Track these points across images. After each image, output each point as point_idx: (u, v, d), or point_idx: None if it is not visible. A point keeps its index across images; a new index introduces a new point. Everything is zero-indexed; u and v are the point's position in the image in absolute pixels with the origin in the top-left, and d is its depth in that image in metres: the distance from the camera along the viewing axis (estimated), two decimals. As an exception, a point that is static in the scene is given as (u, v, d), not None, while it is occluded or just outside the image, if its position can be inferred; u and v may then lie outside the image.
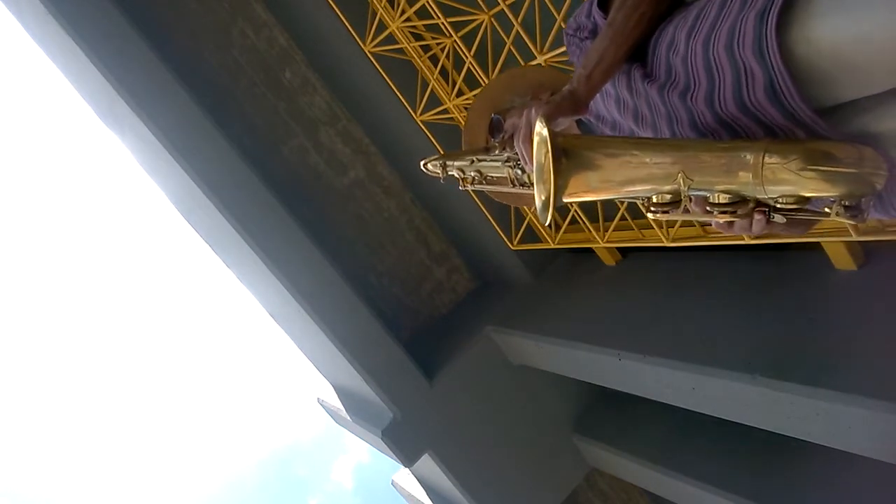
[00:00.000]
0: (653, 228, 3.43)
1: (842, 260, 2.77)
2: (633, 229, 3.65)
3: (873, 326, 2.42)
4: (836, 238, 2.60)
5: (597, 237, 3.82)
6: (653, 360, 3.16)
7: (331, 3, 4.04)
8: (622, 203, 3.59)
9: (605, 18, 1.10)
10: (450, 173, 1.40)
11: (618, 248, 4.17)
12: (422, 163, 1.46)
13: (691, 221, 3.18)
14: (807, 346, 2.58)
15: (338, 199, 5.07)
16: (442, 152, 1.53)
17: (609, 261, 4.22)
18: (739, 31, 0.86)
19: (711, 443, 3.92)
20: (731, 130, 0.92)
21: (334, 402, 5.40)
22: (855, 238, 2.51)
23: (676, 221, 3.32)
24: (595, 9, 1.17)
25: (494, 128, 1.44)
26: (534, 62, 3.26)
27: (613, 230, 3.73)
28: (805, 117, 0.83)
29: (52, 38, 4.14)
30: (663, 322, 3.34)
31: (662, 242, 3.36)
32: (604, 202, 3.81)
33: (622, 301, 3.89)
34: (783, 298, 2.93)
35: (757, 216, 0.83)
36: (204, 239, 5.01)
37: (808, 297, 2.83)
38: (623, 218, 3.66)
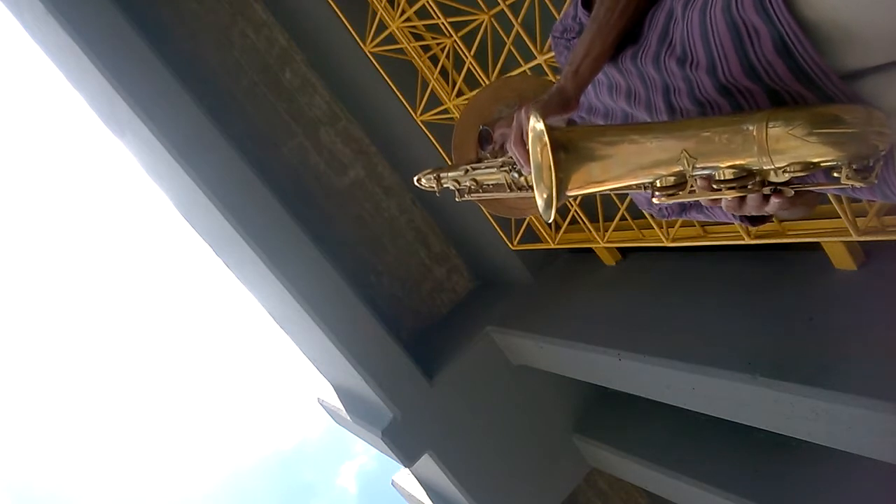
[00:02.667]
0: (653, 228, 3.43)
1: (842, 260, 2.77)
2: (633, 229, 3.65)
3: (873, 326, 2.42)
4: (836, 238, 2.60)
5: (597, 237, 3.82)
6: (653, 360, 3.16)
7: (331, 3, 4.04)
8: (622, 202, 3.59)
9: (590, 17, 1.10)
10: (445, 185, 1.39)
11: (618, 248, 4.17)
12: (415, 178, 1.44)
13: (691, 221, 3.18)
14: (807, 346, 2.57)
15: (338, 199, 5.07)
16: (447, 159, 1.52)
17: (609, 261, 4.22)
18: None
19: (711, 443, 3.92)
20: (732, 99, 0.91)
21: (334, 402, 5.40)
22: (855, 238, 2.51)
23: (676, 221, 3.32)
24: (580, 9, 1.17)
25: (483, 140, 1.42)
26: (533, 62, 3.26)
27: (613, 230, 3.73)
28: (817, 70, 0.82)
29: (52, 38, 4.14)
30: (663, 322, 3.34)
31: (662, 242, 3.36)
32: (603, 201, 3.81)
33: (622, 301, 3.89)
34: (783, 298, 2.93)
35: (775, 199, 0.82)
36: (204, 239, 5.01)
37: (808, 297, 2.83)
38: (623, 218, 3.66)
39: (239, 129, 4.65)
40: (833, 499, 3.20)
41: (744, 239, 2.91)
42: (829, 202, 2.47)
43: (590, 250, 4.26)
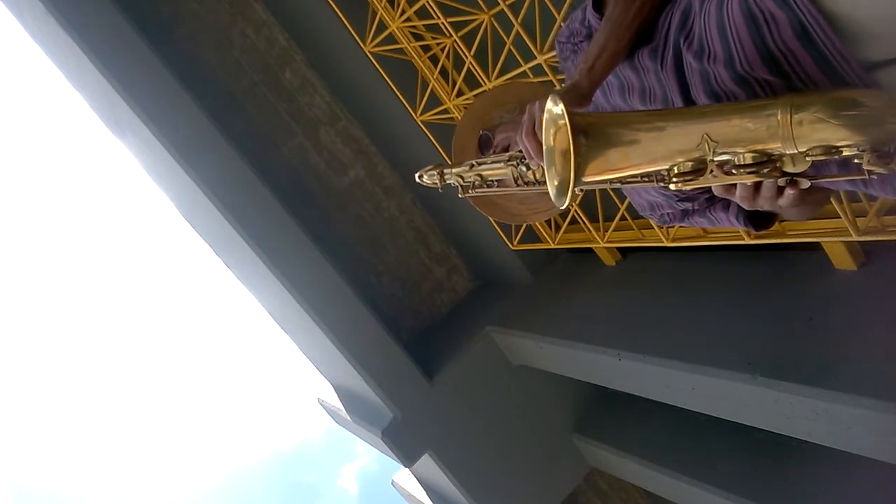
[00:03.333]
0: (653, 228, 3.43)
1: (842, 260, 2.77)
2: (633, 229, 3.65)
3: (873, 326, 2.42)
4: (836, 238, 2.60)
5: (597, 237, 3.82)
6: (653, 360, 3.16)
7: (331, 3, 4.04)
8: (622, 202, 3.59)
9: (601, 21, 1.09)
10: (448, 181, 1.38)
11: (618, 248, 4.16)
12: (417, 175, 1.44)
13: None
14: (807, 346, 2.57)
15: (338, 199, 5.07)
16: (447, 159, 1.51)
17: (609, 261, 4.22)
18: None
19: (711, 443, 3.92)
20: (750, 90, 0.91)
21: (334, 402, 5.40)
22: (855, 238, 2.50)
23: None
24: (590, 11, 1.16)
25: (483, 145, 1.41)
26: (533, 62, 3.26)
27: (613, 230, 3.73)
28: (838, 57, 0.82)
29: (52, 38, 4.14)
30: (663, 322, 3.34)
31: (662, 242, 3.36)
32: (603, 201, 3.81)
33: (622, 301, 3.89)
34: (783, 298, 2.93)
35: (790, 190, 0.82)
36: (204, 239, 5.01)
37: (808, 297, 2.83)
38: (623, 218, 3.66)
39: (239, 129, 4.65)
40: (833, 499, 3.20)
41: (744, 239, 2.91)
42: (830, 202, 2.47)
43: (590, 250, 4.26)
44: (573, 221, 4.06)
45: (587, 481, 5.34)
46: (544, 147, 0.89)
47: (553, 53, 3.13)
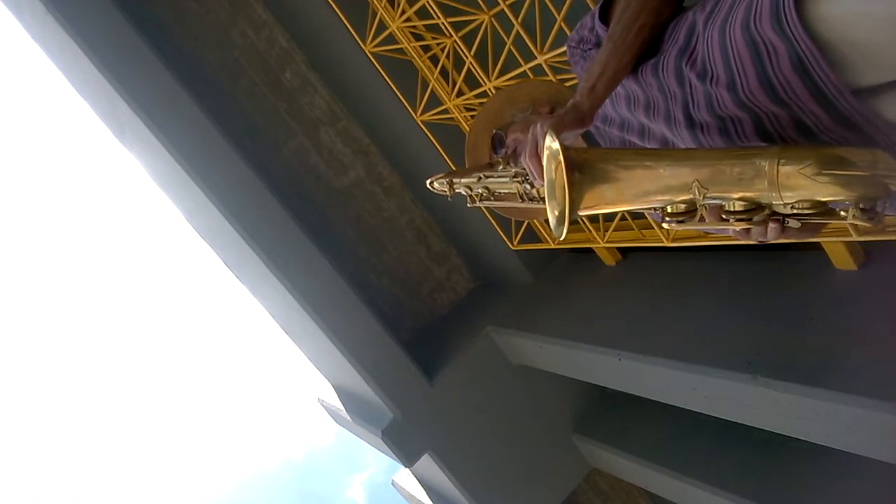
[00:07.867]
0: (653, 228, 3.43)
1: (842, 260, 2.77)
2: (633, 229, 3.65)
3: (873, 326, 2.42)
4: (836, 238, 2.60)
5: (597, 237, 3.82)
6: (653, 360, 3.15)
7: (331, 2, 4.04)
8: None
9: (607, 31, 1.10)
10: (457, 191, 1.39)
11: (618, 248, 4.17)
12: (428, 181, 1.44)
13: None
14: (807, 346, 2.57)
15: (338, 199, 5.07)
16: (453, 167, 1.53)
17: (609, 261, 4.22)
18: (756, 10, 0.86)
19: (711, 443, 3.92)
20: (752, 114, 0.92)
21: (334, 402, 5.40)
22: (855, 238, 2.50)
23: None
24: (597, 22, 1.17)
25: (496, 143, 1.42)
26: (534, 63, 3.26)
27: (613, 230, 3.73)
28: (832, 88, 0.83)
29: (52, 38, 4.14)
30: (663, 322, 3.34)
31: (662, 242, 3.36)
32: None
33: (622, 301, 3.89)
34: (783, 298, 2.93)
35: (772, 224, 0.83)
36: (205, 240, 5.01)
37: (808, 297, 2.83)
38: (623, 218, 3.66)
39: (239, 129, 4.64)
40: (833, 499, 3.20)
41: (744, 239, 2.91)
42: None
43: (590, 250, 4.26)
44: (573, 221, 4.05)
45: (587, 481, 5.34)
46: (545, 178, 0.91)
47: (553, 53, 3.13)
